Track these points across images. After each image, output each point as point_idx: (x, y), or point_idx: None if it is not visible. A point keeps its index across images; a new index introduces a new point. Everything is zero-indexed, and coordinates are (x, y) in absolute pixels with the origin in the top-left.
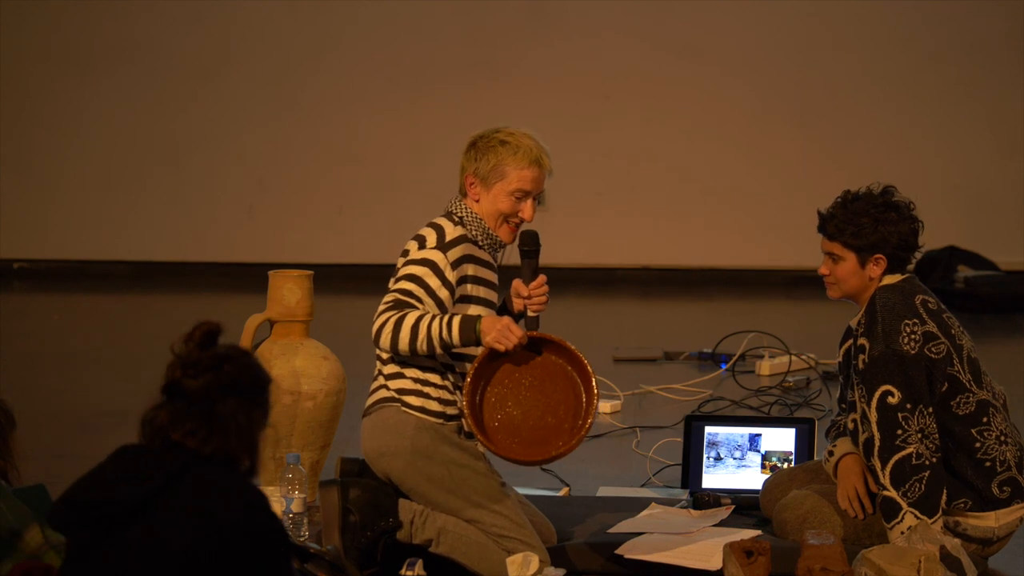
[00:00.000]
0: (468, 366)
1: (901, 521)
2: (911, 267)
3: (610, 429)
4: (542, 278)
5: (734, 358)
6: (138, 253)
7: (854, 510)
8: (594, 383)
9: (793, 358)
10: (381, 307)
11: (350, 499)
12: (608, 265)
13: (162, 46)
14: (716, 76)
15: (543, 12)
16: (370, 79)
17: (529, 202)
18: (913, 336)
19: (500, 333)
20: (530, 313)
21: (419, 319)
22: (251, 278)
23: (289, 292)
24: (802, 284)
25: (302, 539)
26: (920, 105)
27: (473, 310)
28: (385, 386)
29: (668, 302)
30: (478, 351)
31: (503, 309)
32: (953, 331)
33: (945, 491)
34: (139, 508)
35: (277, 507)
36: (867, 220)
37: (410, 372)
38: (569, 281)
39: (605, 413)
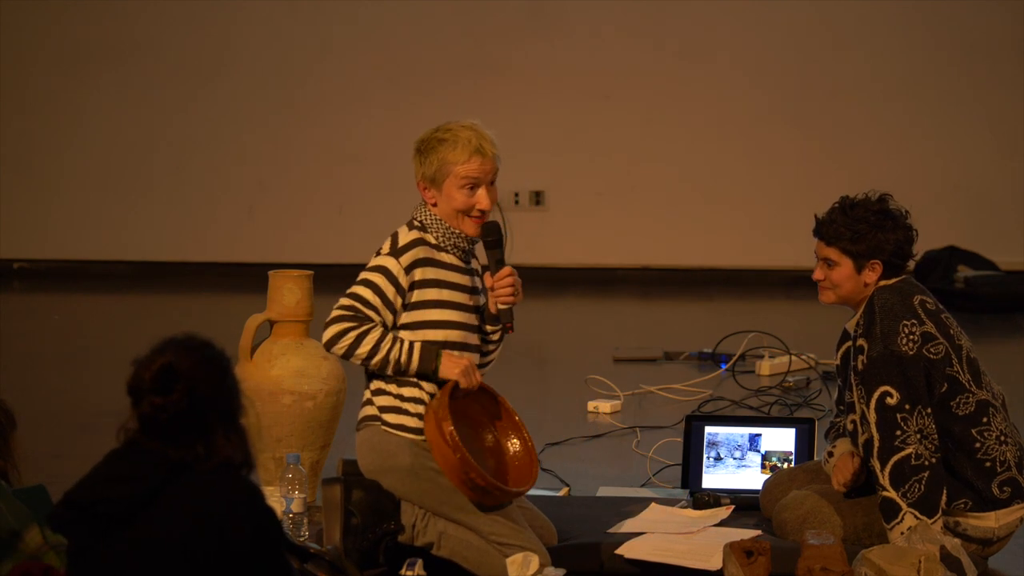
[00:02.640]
0: (433, 400)
1: (901, 521)
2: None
3: (610, 429)
4: (507, 269)
5: (734, 358)
6: (138, 253)
7: (847, 482)
8: (527, 436)
9: (793, 358)
10: (335, 313)
11: (352, 501)
12: (608, 265)
13: (162, 46)
14: (716, 76)
15: (543, 12)
16: (370, 79)
17: (482, 191)
18: (911, 337)
19: (465, 371)
20: (500, 306)
21: (381, 339)
22: (251, 278)
23: (289, 292)
24: (802, 284)
25: (302, 539)
26: (920, 105)
27: (435, 314)
28: (371, 401)
29: (668, 302)
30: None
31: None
32: (952, 331)
33: (945, 491)
34: (137, 506)
35: (277, 507)
36: (864, 227)
37: (391, 388)
38: (569, 281)
39: (605, 413)
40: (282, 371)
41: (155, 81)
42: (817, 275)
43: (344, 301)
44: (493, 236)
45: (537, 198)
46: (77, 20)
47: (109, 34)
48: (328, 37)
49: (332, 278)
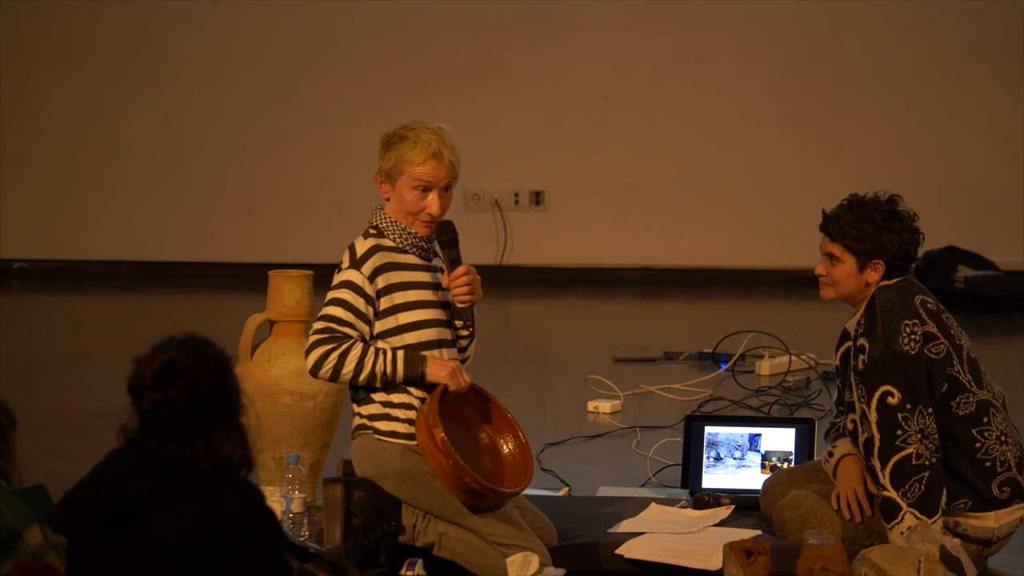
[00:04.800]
0: (423, 406)
1: (901, 521)
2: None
3: (610, 429)
4: (461, 268)
5: (734, 358)
6: (138, 253)
7: (849, 512)
8: (521, 434)
9: (793, 358)
10: (313, 338)
11: (353, 501)
12: (608, 265)
13: (162, 46)
14: (717, 76)
15: (544, 12)
16: (370, 78)
17: (433, 196)
18: (913, 336)
19: (451, 373)
20: (458, 305)
21: (363, 355)
22: (251, 278)
23: (289, 292)
24: (802, 284)
25: (302, 539)
26: (920, 105)
27: (406, 316)
28: (359, 413)
29: (668, 302)
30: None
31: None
32: (952, 331)
33: (945, 491)
34: (136, 506)
35: (277, 507)
36: (870, 226)
37: (377, 396)
38: (569, 281)
39: (605, 413)
40: (282, 371)
41: (155, 81)
42: (819, 270)
43: (318, 324)
44: (447, 236)
45: (537, 198)
46: (77, 20)
47: (109, 34)
48: (328, 37)
49: (332, 278)
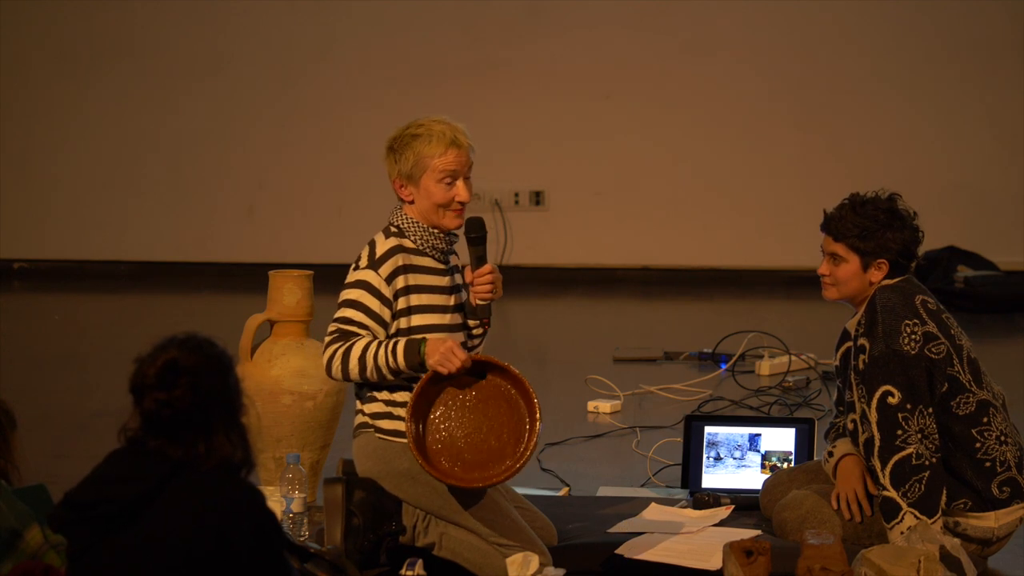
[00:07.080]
0: (413, 386)
1: (901, 521)
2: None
3: (610, 429)
4: (487, 267)
5: (734, 358)
6: (138, 253)
7: (849, 512)
8: (537, 407)
9: (793, 358)
10: (327, 339)
11: (354, 501)
12: (608, 265)
13: (162, 45)
14: (717, 76)
15: (544, 11)
16: (370, 78)
17: (460, 183)
18: (913, 336)
19: (443, 356)
20: (478, 301)
21: (365, 349)
22: (251, 278)
23: (289, 292)
24: (802, 284)
25: (302, 539)
26: (920, 105)
27: (418, 319)
28: (361, 410)
29: (668, 302)
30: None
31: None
32: (953, 331)
33: (945, 491)
34: (137, 507)
35: (277, 507)
36: (873, 224)
37: (381, 395)
38: (569, 281)
39: (605, 413)
40: (282, 371)
41: (154, 81)
42: (822, 270)
43: (332, 327)
44: (477, 232)
45: (537, 198)
46: (76, 20)
47: (108, 34)
48: (328, 36)
49: (332, 278)
